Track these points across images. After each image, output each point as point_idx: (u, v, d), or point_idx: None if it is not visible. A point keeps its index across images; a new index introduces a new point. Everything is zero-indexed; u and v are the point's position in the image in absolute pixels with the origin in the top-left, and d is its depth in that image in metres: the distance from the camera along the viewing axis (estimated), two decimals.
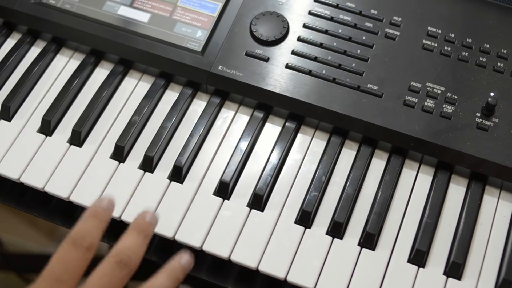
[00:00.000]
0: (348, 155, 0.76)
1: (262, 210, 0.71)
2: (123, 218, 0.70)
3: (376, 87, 0.76)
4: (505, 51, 0.78)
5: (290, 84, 0.77)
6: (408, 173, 0.75)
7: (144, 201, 0.72)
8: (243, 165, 0.75)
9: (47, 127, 0.77)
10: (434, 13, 0.81)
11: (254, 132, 0.77)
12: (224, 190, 0.72)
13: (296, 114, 0.77)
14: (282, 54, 0.79)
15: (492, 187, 0.74)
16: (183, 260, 0.52)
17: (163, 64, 0.80)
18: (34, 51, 0.84)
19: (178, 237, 0.69)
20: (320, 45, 0.79)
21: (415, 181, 0.74)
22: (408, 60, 0.78)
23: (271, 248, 0.69)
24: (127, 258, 0.49)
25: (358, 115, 0.75)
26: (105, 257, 0.49)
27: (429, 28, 0.80)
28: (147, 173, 0.74)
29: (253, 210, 0.71)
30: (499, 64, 0.78)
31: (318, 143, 0.77)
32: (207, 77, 0.78)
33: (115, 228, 0.63)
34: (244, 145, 0.75)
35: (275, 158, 0.74)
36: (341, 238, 0.70)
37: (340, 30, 0.80)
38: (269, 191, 0.73)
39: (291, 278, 0.67)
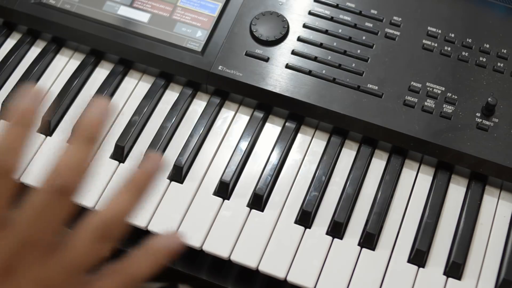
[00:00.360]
0: (348, 155, 0.76)
1: (262, 210, 0.71)
2: None
3: (376, 87, 0.76)
4: (505, 51, 0.78)
5: (290, 84, 0.77)
6: (408, 173, 0.75)
7: (144, 201, 0.71)
8: (243, 165, 0.75)
9: (47, 127, 0.77)
10: (434, 13, 0.81)
11: (254, 132, 0.76)
12: (224, 190, 0.72)
13: (296, 114, 0.77)
14: (282, 54, 0.79)
15: (492, 187, 0.74)
16: (170, 243, 0.40)
17: (163, 64, 0.80)
18: (34, 51, 0.84)
19: None
20: (320, 45, 0.79)
21: (415, 181, 0.74)
22: (408, 60, 0.78)
23: (271, 248, 0.69)
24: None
25: (358, 115, 0.75)
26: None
27: (429, 28, 0.80)
28: None
29: (253, 210, 0.71)
30: (499, 64, 0.78)
31: (318, 143, 0.77)
32: (207, 77, 0.78)
33: None
34: (244, 145, 0.75)
35: (275, 158, 0.74)
36: (341, 238, 0.70)
37: (340, 30, 0.80)
38: (269, 191, 0.73)
39: (291, 278, 0.67)
